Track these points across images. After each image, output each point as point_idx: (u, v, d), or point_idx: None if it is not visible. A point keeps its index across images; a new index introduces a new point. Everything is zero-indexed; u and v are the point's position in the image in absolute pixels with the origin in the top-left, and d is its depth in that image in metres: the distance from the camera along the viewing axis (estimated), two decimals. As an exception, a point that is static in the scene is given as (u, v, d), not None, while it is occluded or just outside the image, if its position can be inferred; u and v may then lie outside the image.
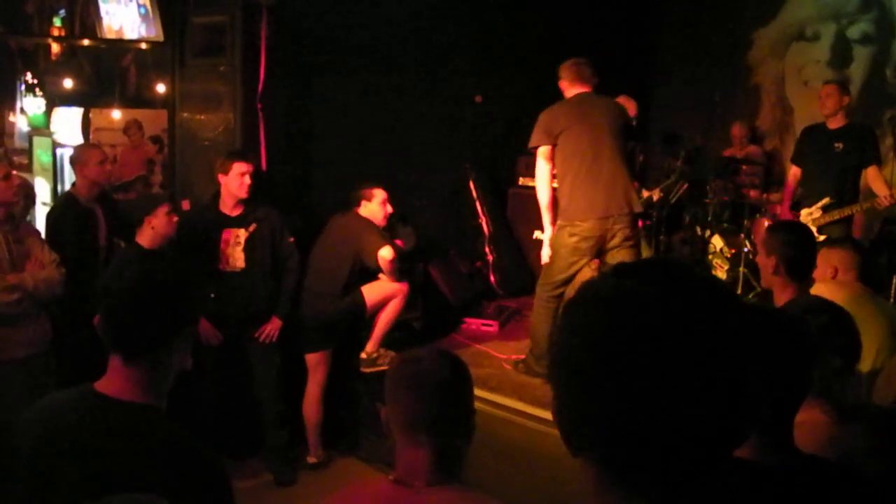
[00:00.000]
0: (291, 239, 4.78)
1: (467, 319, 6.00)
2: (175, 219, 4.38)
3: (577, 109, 4.61)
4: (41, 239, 4.18)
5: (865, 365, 2.93)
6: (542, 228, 4.79)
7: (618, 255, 4.53)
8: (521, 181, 7.09)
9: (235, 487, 1.81)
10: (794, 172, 5.74)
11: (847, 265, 3.60)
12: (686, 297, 0.86)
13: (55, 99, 8.46)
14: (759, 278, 5.22)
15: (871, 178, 5.36)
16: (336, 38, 5.57)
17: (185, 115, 5.29)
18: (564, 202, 4.56)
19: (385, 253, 4.70)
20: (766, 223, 6.15)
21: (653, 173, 7.09)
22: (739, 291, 6.11)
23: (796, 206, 5.62)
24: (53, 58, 8.93)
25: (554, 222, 4.65)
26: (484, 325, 5.95)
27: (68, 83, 8.52)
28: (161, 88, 7.40)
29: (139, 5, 5.53)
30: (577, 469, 0.92)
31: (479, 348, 5.47)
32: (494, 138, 7.01)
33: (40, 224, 4.85)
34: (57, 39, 8.27)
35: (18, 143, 8.80)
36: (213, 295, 4.57)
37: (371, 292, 4.85)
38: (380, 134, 5.85)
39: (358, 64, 5.68)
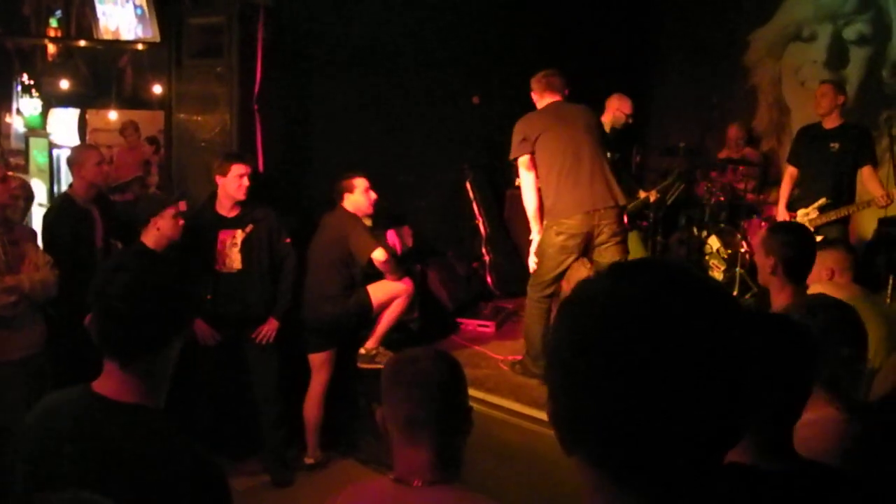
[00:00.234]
0: (288, 240, 4.79)
1: (464, 320, 6.01)
2: (181, 222, 4.38)
3: (552, 114, 4.70)
4: (35, 241, 4.18)
5: (863, 365, 2.94)
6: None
7: (606, 252, 4.56)
8: (518, 182, 7.08)
9: (233, 488, 1.81)
10: (790, 173, 5.75)
11: (843, 266, 3.61)
12: (681, 298, 0.86)
13: (52, 100, 8.47)
14: (756, 279, 5.25)
15: (866, 177, 5.37)
16: (333, 39, 5.57)
17: (182, 116, 5.28)
18: (549, 202, 4.60)
19: (378, 255, 4.71)
20: (763, 224, 6.16)
21: (650, 174, 7.09)
22: (736, 292, 6.11)
23: (793, 207, 5.63)
24: (50, 59, 8.94)
25: (542, 230, 4.68)
26: (481, 325, 5.96)
27: (65, 84, 8.53)
28: (157, 89, 7.41)
29: (136, 6, 5.52)
30: (574, 470, 0.92)
31: (476, 349, 5.47)
32: (492, 139, 7.00)
33: (36, 225, 4.84)
34: (53, 40, 8.28)
35: (15, 144, 8.81)
36: (209, 296, 4.57)
37: (377, 291, 4.86)
38: (377, 135, 5.85)
39: (355, 65, 5.67)
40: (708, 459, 0.88)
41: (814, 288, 3.16)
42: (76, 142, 7.41)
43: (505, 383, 4.76)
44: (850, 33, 7.16)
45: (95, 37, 6.37)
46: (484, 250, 6.73)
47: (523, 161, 4.67)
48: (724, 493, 0.91)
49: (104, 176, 4.85)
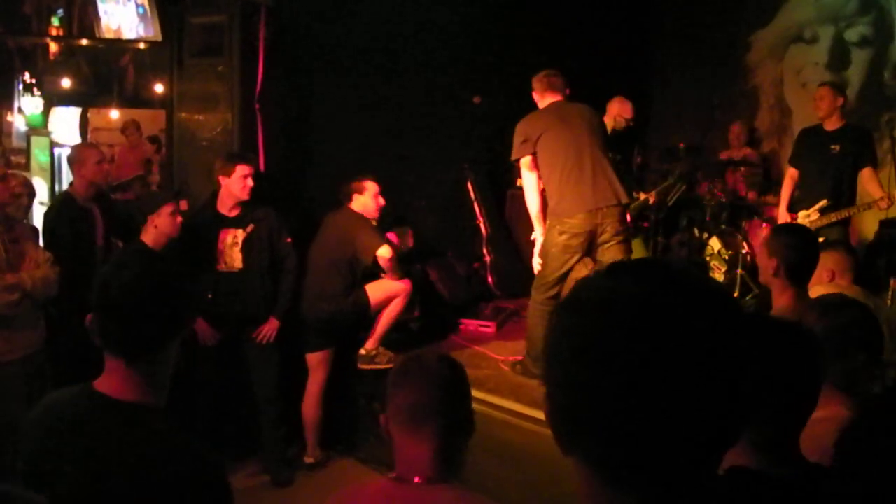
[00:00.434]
0: (289, 239, 4.78)
1: (465, 320, 6.00)
2: (179, 219, 4.38)
3: (552, 114, 4.69)
4: (36, 238, 4.18)
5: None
6: (540, 230, 4.81)
7: (609, 251, 4.55)
8: (519, 182, 7.08)
9: (233, 487, 1.81)
10: (791, 174, 5.75)
11: (843, 268, 3.61)
12: (680, 298, 0.86)
13: (53, 98, 8.46)
14: (757, 280, 5.25)
15: (866, 179, 5.37)
16: (334, 39, 5.57)
17: (183, 115, 5.29)
18: (553, 202, 4.60)
19: (384, 252, 4.71)
20: (764, 225, 6.16)
21: (651, 175, 7.09)
22: (737, 293, 6.12)
23: (793, 209, 5.63)
24: (51, 57, 8.94)
25: (545, 231, 4.68)
26: (481, 326, 5.95)
27: (66, 83, 8.52)
28: (159, 88, 7.40)
29: (137, 5, 5.53)
30: (574, 470, 0.92)
31: (477, 349, 5.47)
32: (493, 139, 7.00)
33: (37, 223, 4.85)
34: (55, 39, 8.28)
35: (16, 142, 8.81)
36: (210, 295, 4.57)
37: (374, 291, 4.86)
38: (378, 134, 5.85)
39: (356, 64, 5.68)
40: (706, 460, 0.88)
41: (814, 290, 3.15)
42: (78, 140, 7.42)
43: (505, 384, 4.76)
44: (851, 35, 7.15)
45: (97, 36, 6.38)
46: (485, 250, 6.73)
47: (525, 162, 4.67)
48: (723, 495, 0.91)
49: (104, 174, 4.84)
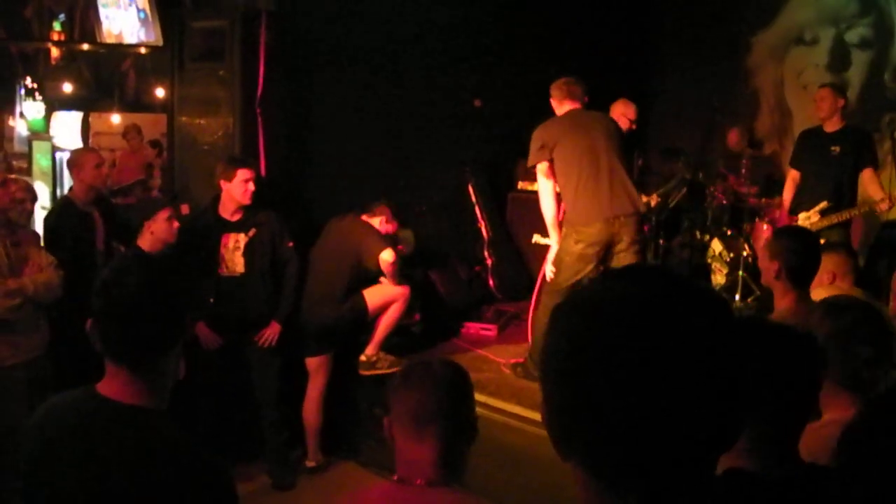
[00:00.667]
0: (290, 243, 4.79)
1: (466, 324, 6.00)
2: (176, 224, 4.38)
3: (570, 122, 4.68)
4: (38, 242, 4.19)
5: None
6: (540, 233, 4.80)
7: (623, 260, 4.53)
8: (521, 185, 7.10)
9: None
10: (792, 176, 5.75)
11: (844, 270, 3.61)
12: (676, 300, 0.87)
13: (55, 103, 8.47)
14: (759, 282, 5.24)
15: (867, 180, 5.37)
16: (335, 43, 5.57)
17: (185, 119, 5.29)
18: (569, 210, 4.59)
19: (386, 256, 4.70)
20: (766, 227, 6.15)
21: (652, 178, 7.09)
22: (738, 295, 6.11)
23: (794, 211, 5.62)
24: (53, 62, 8.94)
25: (560, 238, 4.67)
26: (483, 329, 5.96)
27: (68, 87, 8.53)
28: (160, 93, 7.41)
29: (139, 10, 5.54)
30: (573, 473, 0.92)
31: (478, 353, 5.47)
32: (494, 142, 7.01)
33: (38, 227, 4.85)
34: (57, 44, 8.27)
35: (18, 147, 8.81)
36: (212, 300, 4.58)
37: (373, 296, 4.85)
38: (379, 138, 5.86)
39: (357, 68, 5.68)
40: (702, 462, 0.88)
41: (815, 292, 3.15)
42: (79, 145, 7.43)
43: (507, 387, 4.76)
44: (852, 37, 7.15)
45: (98, 40, 6.39)
46: (486, 253, 6.73)
47: (542, 168, 4.65)
48: (720, 497, 0.91)
49: (103, 178, 4.85)
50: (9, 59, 8.88)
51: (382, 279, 4.88)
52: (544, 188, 4.68)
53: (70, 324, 4.06)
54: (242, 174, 4.54)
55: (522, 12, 6.74)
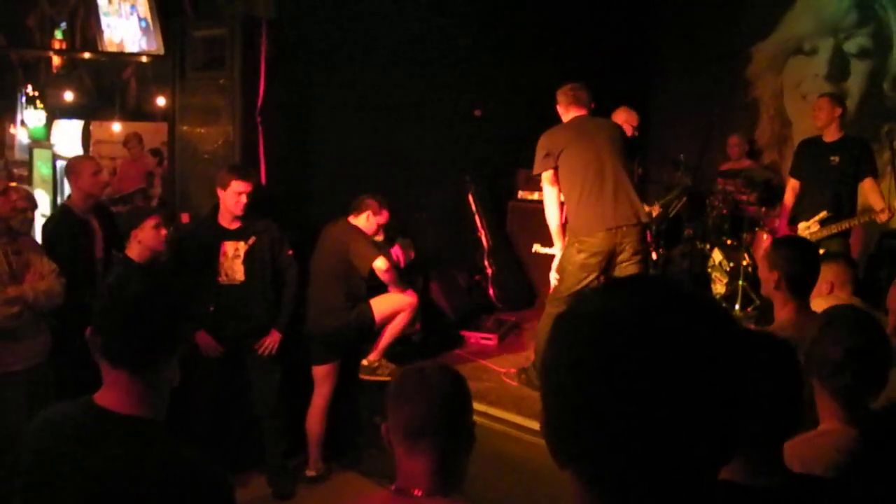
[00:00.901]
0: (290, 251, 4.78)
1: (466, 333, 5.99)
2: (163, 232, 4.36)
3: (575, 129, 4.65)
4: (39, 250, 4.19)
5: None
6: (541, 242, 4.79)
7: (627, 271, 4.51)
8: (521, 194, 7.10)
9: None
10: (792, 186, 5.74)
11: (843, 280, 3.61)
12: (674, 314, 0.87)
13: (56, 111, 8.50)
14: (759, 292, 5.23)
15: (867, 190, 5.37)
16: (336, 52, 5.59)
17: (185, 128, 5.30)
18: (572, 219, 4.57)
19: (380, 264, 4.70)
20: (766, 237, 6.16)
21: (652, 187, 7.10)
22: (738, 305, 6.11)
23: (794, 220, 5.62)
24: (54, 70, 8.97)
25: (564, 245, 4.66)
26: (483, 338, 5.94)
27: (69, 96, 8.56)
28: (161, 101, 7.43)
29: (140, 18, 5.55)
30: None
31: (479, 362, 5.46)
32: (494, 151, 7.02)
33: (38, 235, 4.86)
34: (58, 52, 8.31)
35: (19, 155, 8.84)
36: (212, 308, 4.57)
37: (380, 305, 4.84)
38: (379, 147, 5.86)
39: (357, 76, 5.70)
40: (700, 476, 0.88)
41: (814, 302, 3.15)
42: (80, 153, 7.44)
43: (507, 396, 4.75)
44: (851, 46, 7.17)
45: (100, 49, 6.40)
46: (486, 263, 6.73)
47: (546, 176, 4.62)
48: None
49: (101, 186, 4.84)
50: (10, 68, 8.92)
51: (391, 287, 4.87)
52: (549, 196, 4.66)
53: (70, 331, 4.07)
54: (236, 185, 4.51)
55: (522, 23, 6.76)
